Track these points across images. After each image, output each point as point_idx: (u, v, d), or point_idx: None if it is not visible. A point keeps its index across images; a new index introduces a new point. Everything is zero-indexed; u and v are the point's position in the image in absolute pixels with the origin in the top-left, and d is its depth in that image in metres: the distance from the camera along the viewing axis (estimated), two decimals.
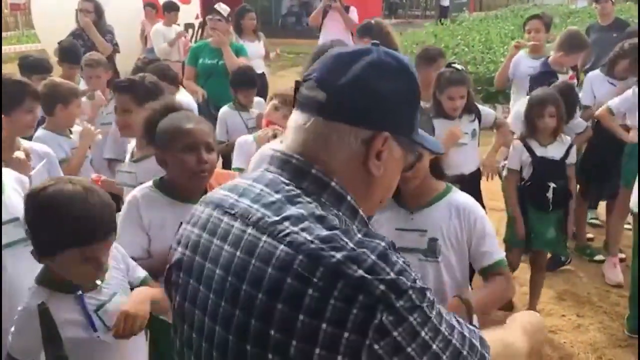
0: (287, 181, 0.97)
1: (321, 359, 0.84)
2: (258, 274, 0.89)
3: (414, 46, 9.00)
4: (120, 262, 1.89)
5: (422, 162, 1.95)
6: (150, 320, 2.18)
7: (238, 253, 0.94)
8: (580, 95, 4.40)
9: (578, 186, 4.55)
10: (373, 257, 0.87)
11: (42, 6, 10.26)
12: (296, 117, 1.00)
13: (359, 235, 0.90)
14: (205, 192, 2.12)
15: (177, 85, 4.16)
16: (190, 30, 9.76)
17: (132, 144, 3.00)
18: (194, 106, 4.04)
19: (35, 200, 1.62)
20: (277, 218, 0.92)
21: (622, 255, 4.36)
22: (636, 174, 3.55)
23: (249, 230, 0.94)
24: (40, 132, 3.43)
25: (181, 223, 1.14)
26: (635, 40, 4.38)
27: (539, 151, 3.57)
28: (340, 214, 0.95)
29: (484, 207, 3.57)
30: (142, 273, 1.96)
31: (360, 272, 0.85)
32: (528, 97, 3.78)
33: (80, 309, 1.68)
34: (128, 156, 2.96)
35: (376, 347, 0.84)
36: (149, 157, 2.62)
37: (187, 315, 1.01)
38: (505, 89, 5.66)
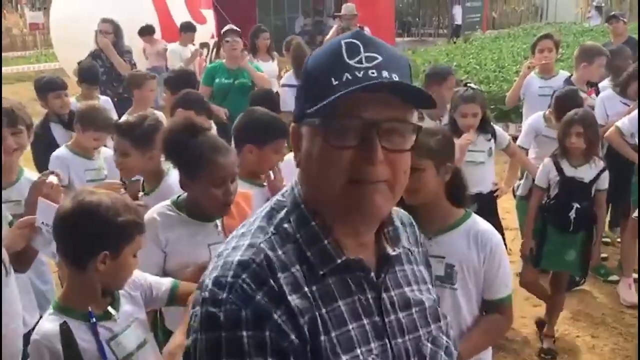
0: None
1: None
2: None
3: (426, 64, 9.05)
4: (136, 288, 1.89)
5: (422, 175, 1.93)
6: (167, 336, 2.21)
7: None
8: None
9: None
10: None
11: (61, 26, 10.45)
12: None
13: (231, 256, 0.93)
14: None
15: (208, 114, 3.97)
16: (205, 50, 9.89)
17: (95, 159, 3.06)
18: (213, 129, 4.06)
19: (87, 209, 1.67)
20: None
21: (637, 276, 4.33)
22: None
23: None
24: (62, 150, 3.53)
25: None
26: None
27: (569, 171, 3.54)
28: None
29: (500, 225, 3.65)
30: (167, 283, 1.98)
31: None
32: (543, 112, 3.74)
33: (93, 338, 1.69)
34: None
35: None
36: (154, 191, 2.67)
37: None
38: (518, 107, 5.69)
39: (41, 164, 3.56)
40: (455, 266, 1.98)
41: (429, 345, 1.03)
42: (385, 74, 0.90)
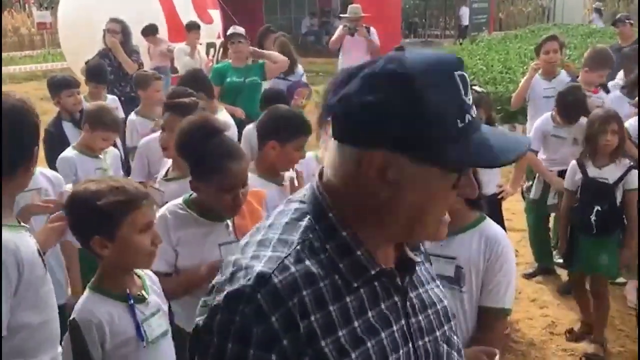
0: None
1: None
2: None
3: None
4: (156, 282, 1.95)
5: None
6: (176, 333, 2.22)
7: None
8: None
9: None
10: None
11: (69, 25, 10.49)
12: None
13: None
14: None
15: (211, 96, 4.19)
16: (212, 50, 9.91)
17: (168, 161, 3.03)
18: (234, 128, 4.08)
19: (78, 200, 1.74)
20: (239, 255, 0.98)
21: None
22: None
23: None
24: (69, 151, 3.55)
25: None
26: None
27: (592, 172, 3.51)
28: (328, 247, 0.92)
29: (504, 226, 3.64)
30: None
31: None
32: (586, 117, 3.70)
33: (130, 318, 1.76)
34: (162, 172, 3.00)
35: None
36: (179, 179, 2.69)
37: None
38: (525, 109, 5.68)
39: (53, 161, 3.57)
40: (463, 269, 1.98)
41: (445, 345, 1.03)
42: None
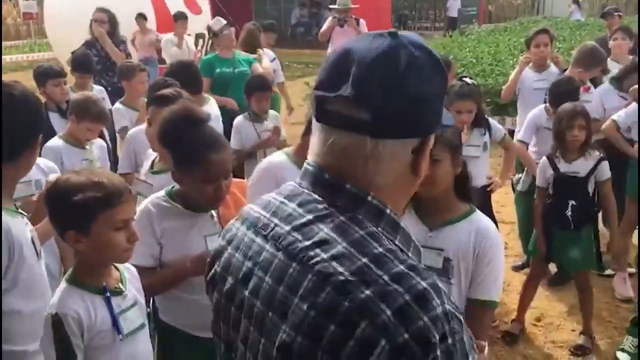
0: (320, 199, 0.93)
1: None
2: (284, 303, 0.87)
3: None
4: (135, 275, 1.93)
5: (440, 167, 1.93)
6: (160, 328, 2.20)
7: (267, 278, 0.91)
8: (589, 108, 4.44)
9: None
10: (407, 297, 0.80)
11: (55, 15, 10.38)
12: (332, 136, 0.92)
13: (401, 267, 0.84)
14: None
15: (197, 89, 4.11)
16: (201, 41, 9.84)
17: (153, 152, 3.02)
18: (217, 119, 4.07)
19: (56, 192, 1.70)
20: (308, 243, 0.88)
21: (632, 270, 4.34)
22: (638, 186, 3.53)
23: (279, 255, 0.91)
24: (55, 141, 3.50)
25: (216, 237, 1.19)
26: None
27: (563, 167, 3.53)
28: (380, 229, 0.91)
29: (494, 218, 3.64)
30: None
31: (388, 313, 0.78)
32: (557, 110, 3.70)
33: (107, 311, 1.73)
34: (147, 164, 2.97)
35: None
36: (167, 171, 2.66)
37: (225, 331, 1.03)
38: (515, 101, 5.69)
39: (39, 153, 3.52)
40: (452, 260, 1.98)
41: None
42: None
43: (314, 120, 0.96)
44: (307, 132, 2.57)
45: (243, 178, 4.15)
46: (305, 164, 0.99)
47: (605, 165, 3.52)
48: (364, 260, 0.84)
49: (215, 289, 1.04)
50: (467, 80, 3.68)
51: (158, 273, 2.11)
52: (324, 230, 0.88)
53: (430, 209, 1.99)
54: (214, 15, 11.23)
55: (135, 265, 2.00)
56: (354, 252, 0.85)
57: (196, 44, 9.32)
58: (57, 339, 1.65)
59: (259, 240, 0.96)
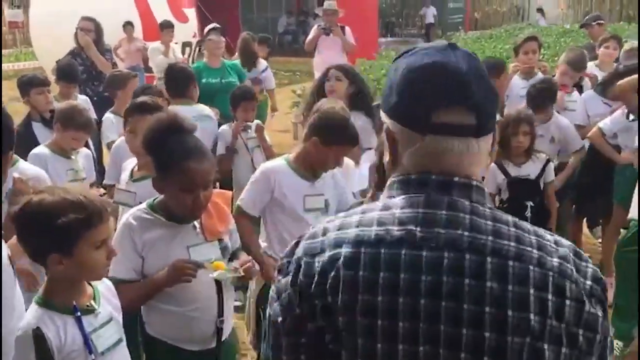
0: (459, 199, 1.03)
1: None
2: (521, 298, 0.96)
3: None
4: (111, 290, 1.89)
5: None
6: (146, 341, 2.17)
7: (489, 283, 0.97)
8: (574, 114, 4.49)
9: (574, 205, 4.58)
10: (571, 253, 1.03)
11: (40, 24, 10.33)
12: (441, 144, 1.03)
13: (548, 236, 1.05)
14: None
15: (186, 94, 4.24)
16: (188, 49, 9.83)
17: (130, 162, 3.02)
18: (212, 123, 4.14)
19: (31, 214, 1.64)
20: (513, 243, 1.00)
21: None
22: (626, 192, 3.57)
23: (490, 259, 0.98)
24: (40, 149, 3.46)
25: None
26: (632, 62, 4.44)
27: (513, 171, 3.60)
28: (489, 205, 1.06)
29: None
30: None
31: (577, 276, 1.01)
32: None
33: (78, 331, 1.69)
34: (126, 174, 2.96)
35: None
36: (148, 178, 2.65)
37: (385, 348, 0.99)
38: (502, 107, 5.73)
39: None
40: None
41: None
42: None
43: (404, 133, 1.04)
44: (307, 139, 2.62)
45: (231, 185, 4.15)
46: (414, 176, 1.05)
47: (551, 167, 3.65)
48: (532, 237, 1.02)
49: (344, 314, 1.00)
50: None
51: (135, 285, 2.09)
52: (489, 224, 1.01)
53: None
54: (200, 23, 11.24)
55: (118, 279, 1.99)
56: (520, 233, 1.02)
57: (183, 52, 9.32)
58: (39, 356, 1.61)
59: (426, 252, 0.99)
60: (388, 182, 1.10)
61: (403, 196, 1.04)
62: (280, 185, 2.68)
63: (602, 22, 6.77)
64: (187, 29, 10.38)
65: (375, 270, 0.99)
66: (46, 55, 9.31)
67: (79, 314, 1.70)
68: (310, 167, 2.72)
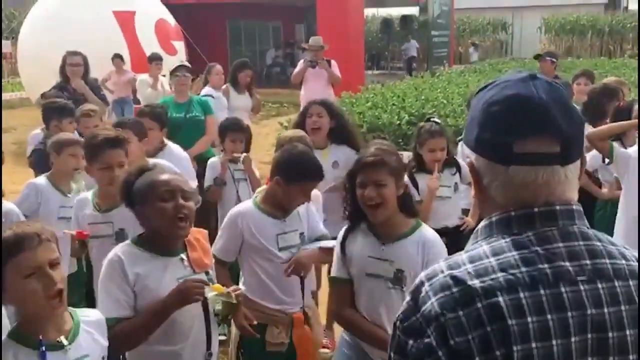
0: (573, 229, 1.05)
1: None
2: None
3: (394, 98, 9.19)
4: (98, 328, 1.85)
5: (386, 190, 2.21)
6: None
7: (623, 306, 1.00)
8: None
9: None
10: None
11: (29, 55, 10.37)
12: (531, 174, 1.04)
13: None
14: (184, 244, 2.17)
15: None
16: None
17: (71, 197, 3.10)
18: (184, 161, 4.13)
19: None
20: (620, 261, 1.04)
21: None
22: (605, 229, 3.60)
23: (617, 282, 1.01)
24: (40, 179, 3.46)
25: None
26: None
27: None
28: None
29: None
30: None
31: None
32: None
33: None
34: (87, 211, 2.91)
35: None
36: (121, 204, 2.69)
37: None
38: None
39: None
40: (404, 271, 2.23)
41: None
42: None
43: (488, 165, 1.06)
44: (271, 178, 2.65)
45: (217, 215, 4.15)
46: (522, 211, 1.05)
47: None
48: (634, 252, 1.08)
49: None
50: (436, 119, 3.77)
51: (137, 319, 2.06)
52: (606, 246, 1.05)
53: (383, 227, 2.28)
54: (189, 56, 11.34)
55: (113, 318, 1.97)
56: (611, 248, 1.06)
57: (171, 85, 9.36)
58: None
59: (582, 286, 1.00)
60: (485, 222, 1.09)
61: (530, 232, 1.02)
62: (249, 227, 2.62)
63: (554, 59, 6.97)
64: (176, 62, 10.43)
65: (543, 314, 0.96)
66: (34, 86, 9.33)
67: (43, 349, 1.64)
68: (279, 205, 2.66)
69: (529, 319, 0.95)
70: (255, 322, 2.34)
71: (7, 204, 2.92)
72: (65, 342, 1.70)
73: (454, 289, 0.99)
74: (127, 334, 2.01)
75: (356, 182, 2.28)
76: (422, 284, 1.04)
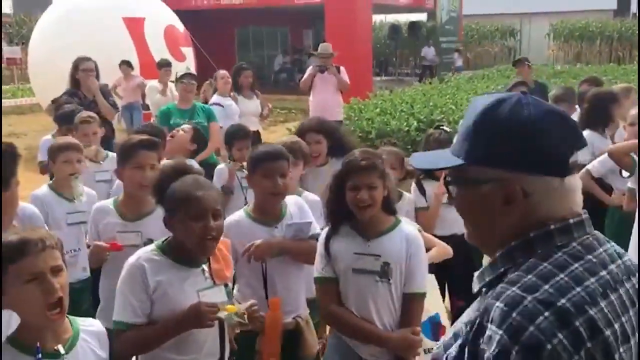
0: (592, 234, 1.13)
1: None
2: None
3: (403, 104, 9.19)
4: (98, 339, 1.83)
5: (376, 192, 2.32)
6: None
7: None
8: None
9: None
10: None
11: (39, 61, 10.44)
12: (577, 181, 1.12)
13: None
14: (209, 258, 2.15)
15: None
16: None
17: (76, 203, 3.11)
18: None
19: None
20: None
21: None
22: (614, 237, 3.57)
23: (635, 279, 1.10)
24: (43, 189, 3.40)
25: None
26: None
27: None
28: None
29: (474, 267, 3.61)
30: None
31: None
32: None
33: None
34: (112, 219, 2.84)
35: None
36: (150, 213, 2.69)
37: None
38: None
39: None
40: (390, 264, 2.34)
41: None
42: None
43: (542, 182, 1.08)
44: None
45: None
46: (574, 219, 1.10)
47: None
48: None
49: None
50: (446, 128, 3.76)
51: (148, 329, 2.04)
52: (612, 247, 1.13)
53: (366, 225, 2.39)
54: (197, 62, 11.40)
55: (126, 323, 1.97)
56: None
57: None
58: None
59: (626, 284, 1.08)
60: (520, 240, 1.09)
61: (574, 242, 1.07)
62: (239, 238, 2.57)
63: (529, 63, 7.47)
64: (184, 68, 10.50)
65: (619, 318, 1.03)
66: (44, 92, 9.40)
67: (39, 356, 1.62)
68: (270, 211, 2.65)
69: (616, 326, 1.00)
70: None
71: (29, 207, 2.83)
72: (62, 350, 1.69)
73: (546, 313, 0.97)
74: (136, 342, 2.00)
75: (346, 185, 2.33)
76: (507, 313, 1.00)
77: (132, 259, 2.12)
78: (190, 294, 2.07)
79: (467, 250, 3.64)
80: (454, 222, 3.59)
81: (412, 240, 2.40)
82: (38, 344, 1.63)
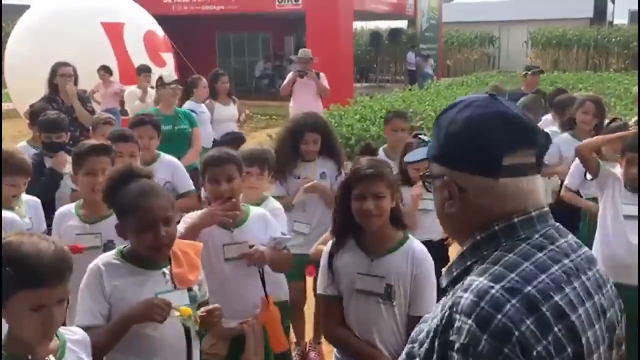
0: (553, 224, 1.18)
1: None
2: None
3: (383, 110, 9.25)
4: (82, 347, 1.83)
5: (384, 201, 2.21)
6: None
7: (601, 297, 1.13)
8: None
9: None
10: None
11: (15, 66, 10.32)
12: (522, 183, 1.14)
13: None
14: (169, 260, 2.16)
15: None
16: None
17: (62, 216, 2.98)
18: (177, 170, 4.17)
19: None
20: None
21: None
22: (587, 239, 3.62)
23: (591, 273, 1.14)
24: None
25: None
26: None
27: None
28: None
29: None
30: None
31: None
32: None
33: None
34: (72, 222, 2.85)
35: None
36: (109, 215, 2.64)
37: None
38: None
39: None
40: (394, 285, 2.24)
41: None
42: None
43: (476, 181, 1.13)
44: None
45: None
46: (538, 211, 1.15)
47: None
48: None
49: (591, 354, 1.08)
50: (424, 137, 3.80)
51: (105, 326, 2.05)
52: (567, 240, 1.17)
53: (372, 240, 2.28)
54: (178, 68, 11.34)
55: (85, 327, 1.96)
56: None
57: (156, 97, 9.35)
58: None
59: (588, 272, 1.13)
60: (485, 233, 1.13)
61: (536, 234, 1.11)
62: (207, 238, 2.59)
63: (538, 70, 7.48)
64: (164, 74, 10.45)
65: (583, 304, 1.07)
66: (21, 97, 9.29)
67: None
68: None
69: (581, 311, 1.05)
70: None
71: (9, 214, 2.83)
72: (51, 357, 1.69)
73: (513, 300, 1.01)
74: (94, 341, 1.96)
75: (352, 194, 2.24)
76: (476, 303, 1.02)
77: (91, 264, 2.14)
78: (149, 296, 2.06)
79: (443, 255, 3.69)
80: (430, 228, 3.62)
81: (420, 260, 2.26)
82: (30, 357, 1.62)
